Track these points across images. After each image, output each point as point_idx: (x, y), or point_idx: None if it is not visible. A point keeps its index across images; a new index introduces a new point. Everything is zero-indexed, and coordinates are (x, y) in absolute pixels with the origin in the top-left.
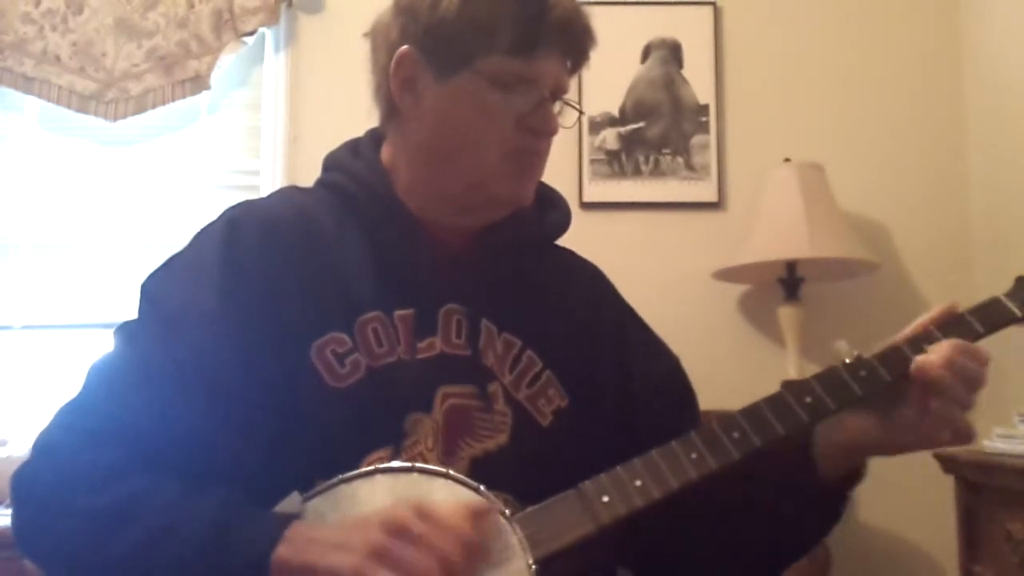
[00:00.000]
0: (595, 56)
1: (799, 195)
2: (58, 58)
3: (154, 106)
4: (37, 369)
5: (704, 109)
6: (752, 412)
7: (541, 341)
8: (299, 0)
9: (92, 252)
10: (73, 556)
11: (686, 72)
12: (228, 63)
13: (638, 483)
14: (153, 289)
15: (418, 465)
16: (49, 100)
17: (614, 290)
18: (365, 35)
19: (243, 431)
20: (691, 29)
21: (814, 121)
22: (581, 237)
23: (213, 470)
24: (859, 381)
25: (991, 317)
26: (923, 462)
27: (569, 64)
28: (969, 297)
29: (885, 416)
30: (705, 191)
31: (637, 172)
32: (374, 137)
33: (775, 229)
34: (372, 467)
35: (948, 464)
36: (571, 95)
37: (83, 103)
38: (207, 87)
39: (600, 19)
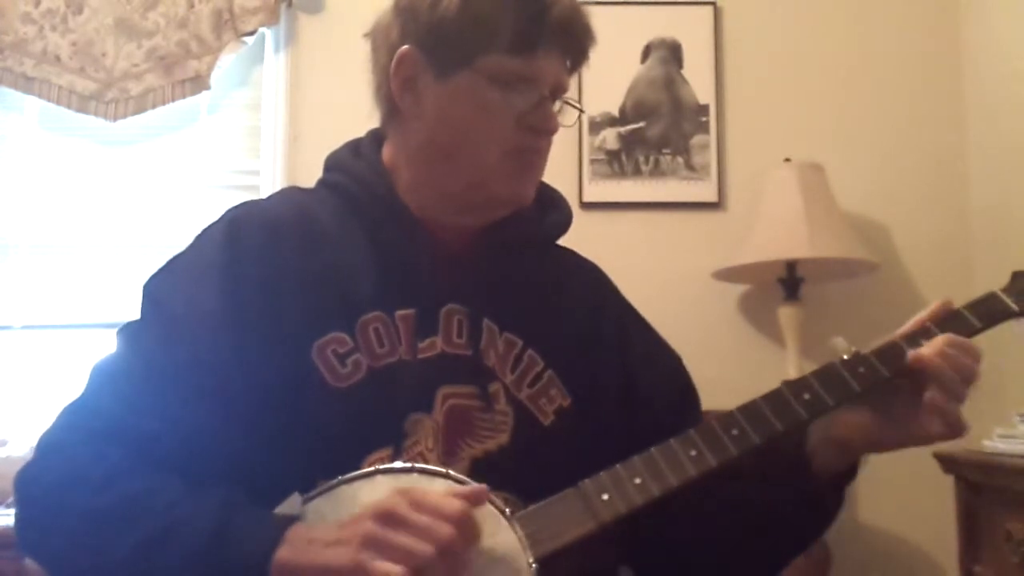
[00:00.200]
0: (595, 56)
1: (799, 195)
2: (58, 58)
3: (154, 106)
4: (37, 369)
5: (704, 109)
6: (751, 409)
7: (542, 341)
8: (299, 0)
9: (92, 252)
10: (75, 556)
11: (686, 72)
12: (228, 63)
13: (638, 481)
14: (155, 290)
15: (418, 465)
16: (49, 100)
17: (615, 290)
18: (366, 35)
19: (244, 431)
20: (691, 29)
21: (814, 121)
22: (581, 237)
23: (215, 470)
24: (857, 377)
25: (988, 312)
26: (923, 462)
27: (569, 63)
28: (969, 297)
29: (881, 413)
30: (705, 191)
31: (637, 172)
32: (375, 137)
33: (775, 229)
34: (372, 468)
35: (948, 464)
36: (571, 94)
37: (83, 103)
38: (207, 87)
39: (600, 19)
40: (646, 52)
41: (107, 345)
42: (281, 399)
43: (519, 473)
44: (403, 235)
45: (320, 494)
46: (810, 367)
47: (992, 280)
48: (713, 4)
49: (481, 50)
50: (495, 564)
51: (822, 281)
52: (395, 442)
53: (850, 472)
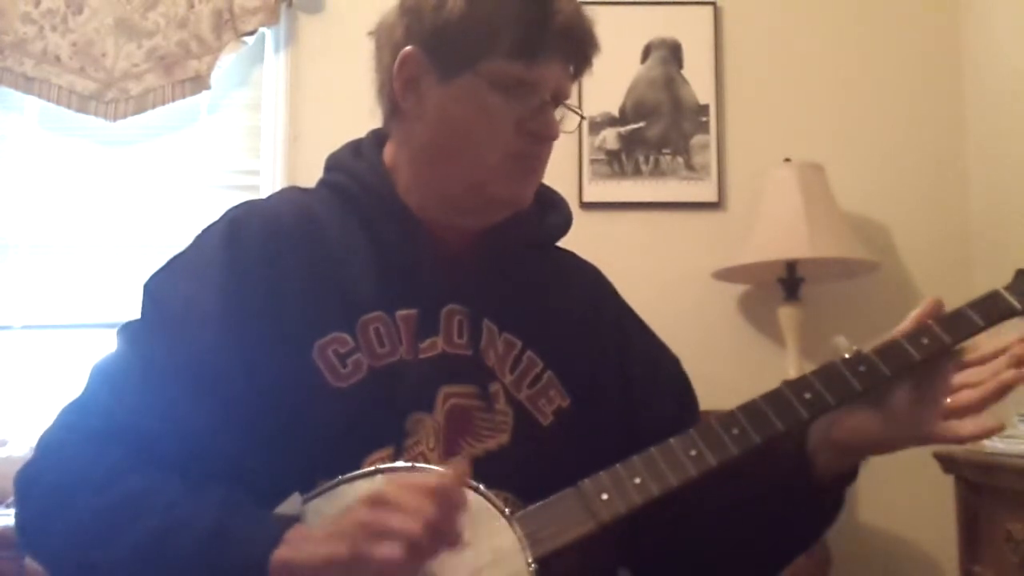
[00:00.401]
0: (595, 56)
1: (799, 195)
2: (58, 58)
3: (154, 106)
4: (37, 369)
5: (704, 109)
6: (751, 409)
7: (542, 342)
8: (299, 0)
9: (92, 252)
10: (75, 555)
11: (686, 72)
12: (228, 63)
13: (637, 481)
14: (155, 289)
15: (419, 465)
16: (49, 100)
17: (614, 291)
18: (369, 34)
19: (245, 431)
20: (691, 29)
21: (814, 121)
22: (581, 237)
23: (215, 470)
24: (858, 376)
25: (991, 311)
26: (923, 462)
27: (572, 69)
28: (969, 297)
29: (882, 413)
30: (705, 191)
31: (637, 172)
32: (377, 137)
33: (775, 229)
34: (373, 467)
35: (948, 464)
36: (571, 96)
37: (83, 103)
38: (207, 87)
39: (600, 19)
40: (646, 52)
41: (107, 345)
42: (282, 399)
43: (519, 473)
44: (404, 235)
45: (320, 494)
46: (810, 367)
47: (992, 280)
48: (713, 4)
49: (484, 54)
50: (495, 564)
51: (822, 281)
52: (396, 442)
53: (851, 473)
